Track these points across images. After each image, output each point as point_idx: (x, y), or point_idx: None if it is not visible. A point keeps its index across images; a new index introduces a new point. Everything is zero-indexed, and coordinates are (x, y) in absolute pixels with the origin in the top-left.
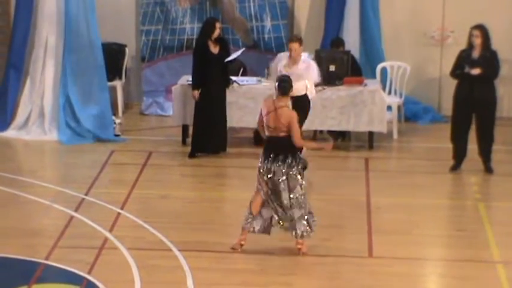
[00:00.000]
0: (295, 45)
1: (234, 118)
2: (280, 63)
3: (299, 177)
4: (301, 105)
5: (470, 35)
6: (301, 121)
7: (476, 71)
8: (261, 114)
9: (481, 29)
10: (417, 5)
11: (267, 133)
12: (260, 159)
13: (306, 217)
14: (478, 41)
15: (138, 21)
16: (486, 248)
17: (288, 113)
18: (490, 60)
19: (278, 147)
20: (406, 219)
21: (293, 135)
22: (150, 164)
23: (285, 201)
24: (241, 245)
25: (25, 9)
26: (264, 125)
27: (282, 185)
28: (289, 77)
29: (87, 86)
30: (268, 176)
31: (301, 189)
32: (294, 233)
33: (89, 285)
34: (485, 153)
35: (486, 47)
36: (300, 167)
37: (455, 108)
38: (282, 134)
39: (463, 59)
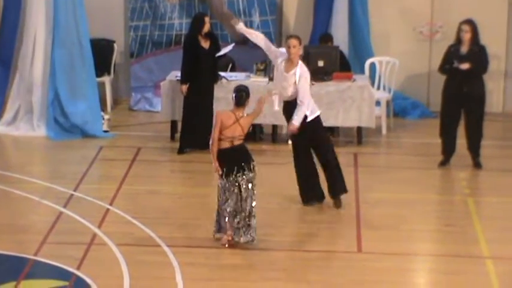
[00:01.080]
0: (294, 41)
1: None
2: (280, 63)
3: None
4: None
5: (460, 30)
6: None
7: (465, 66)
8: (217, 126)
9: (470, 23)
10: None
11: (223, 145)
12: (222, 175)
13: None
14: (467, 36)
15: (126, 17)
16: (475, 243)
17: (248, 120)
18: (478, 55)
19: (241, 157)
20: (395, 214)
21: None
22: (139, 159)
23: (248, 208)
24: (230, 241)
25: (14, 4)
26: (222, 137)
27: (245, 193)
28: (246, 86)
29: (76, 82)
30: (234, 189)
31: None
32: (243, 237)
33: (77, 281)
34: (474, 148)
35: (475, 42)
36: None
37: (444, 104)
38: (238, 142)
39: (452, 54)
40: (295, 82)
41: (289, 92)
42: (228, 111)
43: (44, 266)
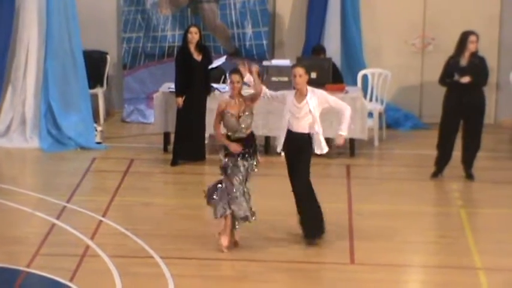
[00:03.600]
0: (300, 70)
1: None
2: (288, 97)
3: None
4: (302, 145)
5: (467, 41)
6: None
7: (465, 80)
8: (217, 116)
9: (477, 34)
10: (398, 12)
11: (237, 135)
12: (228, 159)
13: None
14: (475, 47)
15: (119, 29)
16: (468, 254)
17: (252, 102)
18: (479, 67)
19: (247, 144)
20: (388, 225)
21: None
22: (132, 171)
23: (238, 193)
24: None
25: (6, 16)
26: (233, 128)
27: (238, 178)
28: (239, 69)
29: (69, 94)
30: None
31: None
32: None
33: None
34: (469, 160)
35: (475, 53)
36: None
37: (444, 116)
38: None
39: (452, 66)
40: (310, 110)
41: (304, 123)
42: (227, 99)
43: (37, 278)
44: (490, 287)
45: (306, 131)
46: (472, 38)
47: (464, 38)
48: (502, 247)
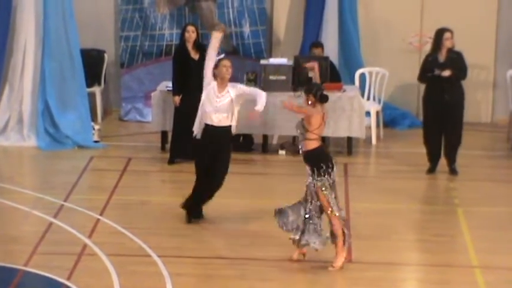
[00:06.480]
0: (229, 62)
1: None
2: (212, 90)
3: None
4: (224, 142)
5: (442, 38)
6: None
7: (446, 73)
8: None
9: (451, 31)
10: (395, 11)
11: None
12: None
13: None
14: (451, 43)
15: (117, 27)
16: (464, 252)
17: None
18: (458, 62)
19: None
20: (385, 224)
21: None
22: (130, 170)
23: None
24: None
25: (3, 15)
26: (315, 136)
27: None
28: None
29: (66, 92)
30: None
31: None
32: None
33: None
34: (452, 154)
35: (451, 49)
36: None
37: (427, 112)
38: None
39: (430, 63)
40: (231, 100)
41: (225, 112)
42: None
43: (34, 277)
44: (486, 286)
45: (227, 123)
46: (447, 34)
47: (439, 35)
48: (498, 245)
